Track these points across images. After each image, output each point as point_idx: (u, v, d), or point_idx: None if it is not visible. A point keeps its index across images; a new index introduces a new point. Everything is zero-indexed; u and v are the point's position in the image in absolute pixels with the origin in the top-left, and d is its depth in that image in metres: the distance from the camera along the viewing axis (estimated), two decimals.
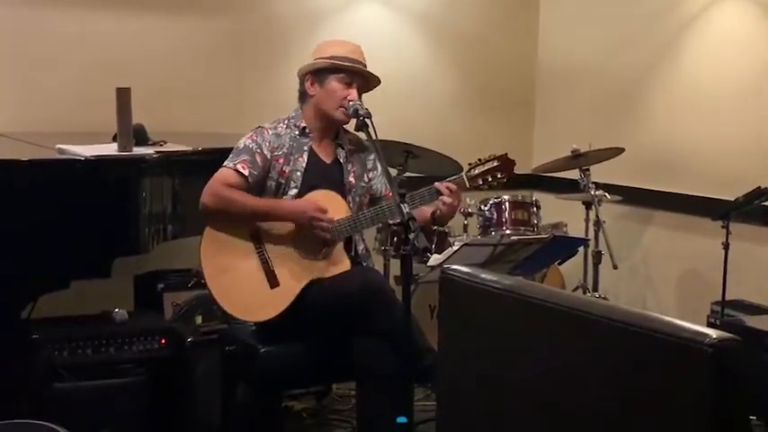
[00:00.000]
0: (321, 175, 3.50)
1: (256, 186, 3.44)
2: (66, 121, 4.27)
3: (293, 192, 3.46)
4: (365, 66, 3.50)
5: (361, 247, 3.60)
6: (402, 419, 2.72)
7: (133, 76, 4.03)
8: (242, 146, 3.44)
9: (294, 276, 3.39)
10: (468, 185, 3.48)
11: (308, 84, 3.51)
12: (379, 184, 3.63)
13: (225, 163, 3.42)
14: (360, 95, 3.45)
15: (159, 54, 4.62)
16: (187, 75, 4.69)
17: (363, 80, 3.50)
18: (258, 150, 3.43)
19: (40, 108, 4.33)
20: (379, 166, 3.61)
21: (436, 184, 3.42)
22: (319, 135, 3.55)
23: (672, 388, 1.47)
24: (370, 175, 3.63)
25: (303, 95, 3.55)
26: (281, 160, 3.47)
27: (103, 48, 4.47)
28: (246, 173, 3.39)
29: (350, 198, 3.52)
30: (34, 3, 4.37)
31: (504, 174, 3.51)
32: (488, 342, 1.86)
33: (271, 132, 3.49)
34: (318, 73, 3.48)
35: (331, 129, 3.57)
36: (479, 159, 3.53)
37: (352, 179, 3.57)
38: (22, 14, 4.34)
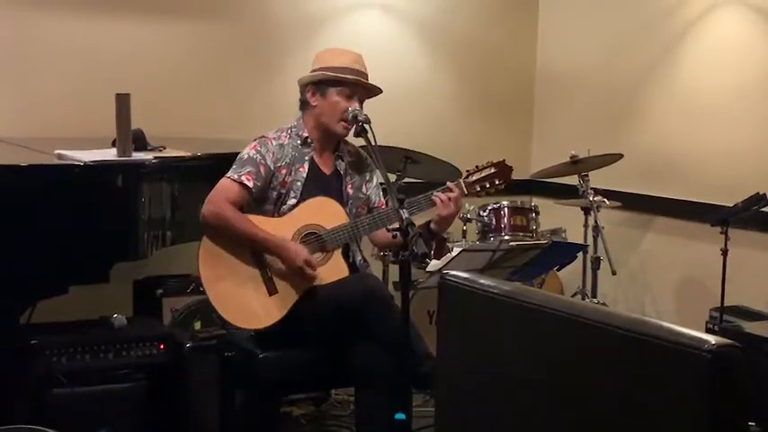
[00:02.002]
0: (321, 186, 3.50)
1: (259, 196, 3.44)
2: (65, 127, 4.27)
3: (292, 201, 3.46)
4: (367, 76, 3.49)
5: (358, 258, 3.60)
6: (400, 416, 2.72)
7: (132, 82, 4.03)
8: (246, 157, 3.44)
9: (292, 283, 3.38)
10: (465, 192, 3.48)
11: (308, 94, 3.50)
12: (374, 195, 3.64)
13: (228, 174, 3.40)
14: (361, 105, 3.45)
15: (158, 59, 4.62)
16: (186, 80, 4.69)
17: (365, 91, 3.50)
18: (262, 161, 3.43)
19: (39, 113, 4.33)
20: (374, 178, 3.62)
21: (435, 194, 3.41)
22: (320, 146, 3.55)
23: (670, 394, 1.47)
24: (368, 186, 3.63)
25: (304, 105, 3.54)
26: (284, 171, 3.46)
27: (102, 53, 4.48)
28: (251, 185, 3.38)
29: (347, 209, 3.52)
30: (33, 8, 4.37)
31: (501, 180, 3.52)
32: (487, 347, 1.86)
33: (274, 143, 3.48)
34: (320, 84, 3.47)
35: (331, 140, 3.56)
36: (477, 166, 3.53)
37: (350, 190, 3.57)
38: (20, 20, 4.34)
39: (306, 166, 3.50)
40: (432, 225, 3.45)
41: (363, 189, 3.62)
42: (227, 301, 3.36)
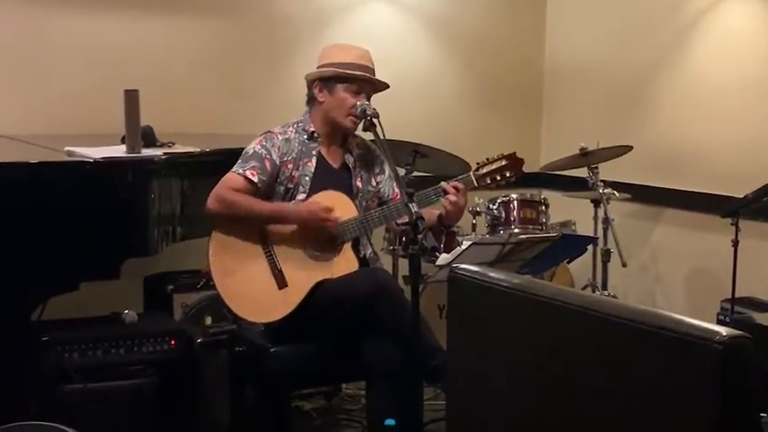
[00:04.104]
0: (329, 180, 3.50)
1: (265, 192, 3.44)
2: (74, 124, 4.28)
3: (301, 196, 3.46)
4: (373, 71, 3.49)
5: (369, 251, 3.60)
6: (390, 422, 2.71)
7: (141, 78, 4.03)
8: (251, 151, 3.44)
9: (302, 277, 3.39)
10: (476, 184, 3.48)
11: (316, 90, 3.50)
12: (387, 187, 3.63)
13: (234, 168, 3.41)
14: (368, 100, 3.45)
15: (167, 56, 4.62)
16: (195, 76, 4.69)
17: (372, 86, 3.50)
18: (267, 156, 3.43)
19: (48, 110, 4.34)
20: (386, 169, 3.62)
21: (442, 183, 3.42)
22: (328, 140, 3.56)
23: (682, 385, 1.47)
24: (378, 178, 3.63)
25: (311, 100, 3.55)
26: (290, 165, 3.47)
27: (111, 50, 4.48)
28: (256, 179, 3.39)
29: (357, 202, 3.52)
30: (41, 6, 4.38)
31: (512, 173, 3.50)
32: (497, 341, 1.86)
33: (280, 137, 3.49)
34: (327, 80, 3.48)
35: (339, 134, 3.57)
36: (487, 158, 3.52)
37: (359, 183, 3.57)
38: (29, 17, 4.35)
39: (314, 160, 3.50)
40: (442, 217, 3.45)
41: (373, 182, 3.62)
42: (236, 295, 3.37)
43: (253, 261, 3.39)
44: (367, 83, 3.46)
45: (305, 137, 3.51)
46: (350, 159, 3.59)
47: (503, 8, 5.59)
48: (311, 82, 3.53)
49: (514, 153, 3.53)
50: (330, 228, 3.37)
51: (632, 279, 5.13)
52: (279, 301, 3.36)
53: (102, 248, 3.38)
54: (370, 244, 3.63)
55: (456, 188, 3.39)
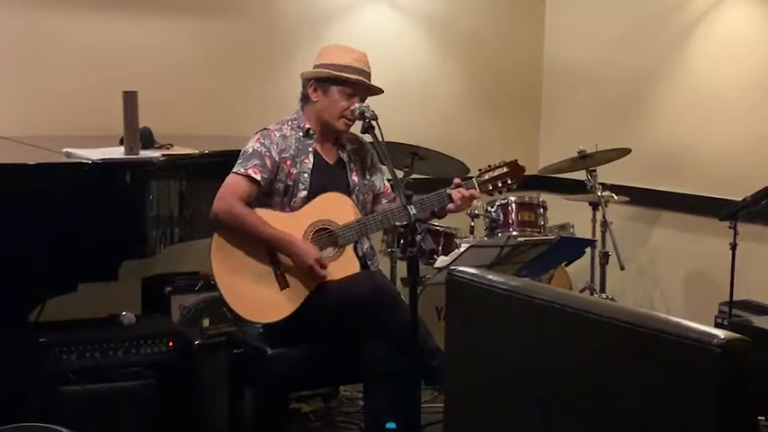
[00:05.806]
0: (327, 176, 3.51)
1: (266, 189, 3.44)
2: (73, 125, 4.27)
3: (303, 194, 3.47)
4: (369, 74, 3.49)
5: (366, 246, 3.61)
6: (391, 425, 2.71)
7: (140, 80, 4.04)
8: (251, 150, 3.44)
9: (303, 278, 3.39)
10: (478, 191, 3.49)
11: (310, 90, 3.51)
12: (378, 180, 3.65)
13: (235, 169, 3.41)
14: (362, 102, 3.45)
15: (165, 57, 4.62)
16: (193, 78, 4.68)
17: (367, 90, 3.51)
18: (267, 153, 3.44)
19: (46, 112, 4.33)
20: (378, 163, 3.63)
21: (449, 190, 3.42)
22: (322, 137, 3.56)
23: (680, 388, 1.47)
24: (371, 171, 3.65)
25: (305, 98, 3.55)
26: (289, 162, 3.47)
27: (110, 51, 4.47)
28: (258, 177, 3.39)
29: (354, 197, 3.54)
30: (40, 7, 4.37)
31: (513, 180, 3.53)
32: (496, 343, 1.86)
33: (277, 134, 3.49)
34: (322, 81, 3.48)
35: (332, 133, 3.57)
36: (489, 165, 3.54)
37: (355, 178, 3.58)
38: (27, 19, 4.34)
39: (311, 157, 3.51)
40: (434, 213, 3.46)
41: (367, 176, 3.63)
42: (238, 295, 3.37)
43: (254, 261, 3.39)
44: (362, 87, 3.47)
45: (300, 134, 3.52)
46: (344, 155, 3.60)
47: (502, 11, 5.59)
48: (306, 81, 3.54)
49: (516, 160, 3.55)
50: (315, 276, 3.37)
51: (630, 282, 5.13)
52: (280, 301, 3.37)
53: (100, 250, 3.38)
54: (368, 238, 3.63)
55: (462, 195, 3.40)
